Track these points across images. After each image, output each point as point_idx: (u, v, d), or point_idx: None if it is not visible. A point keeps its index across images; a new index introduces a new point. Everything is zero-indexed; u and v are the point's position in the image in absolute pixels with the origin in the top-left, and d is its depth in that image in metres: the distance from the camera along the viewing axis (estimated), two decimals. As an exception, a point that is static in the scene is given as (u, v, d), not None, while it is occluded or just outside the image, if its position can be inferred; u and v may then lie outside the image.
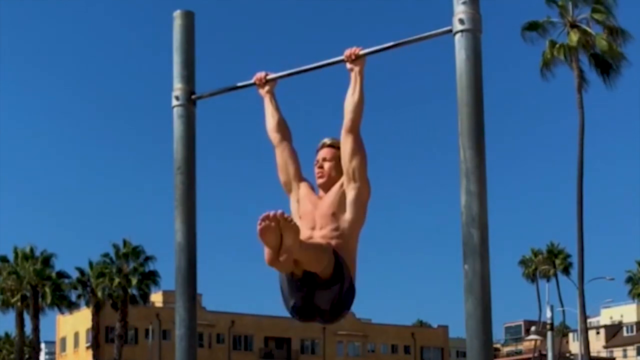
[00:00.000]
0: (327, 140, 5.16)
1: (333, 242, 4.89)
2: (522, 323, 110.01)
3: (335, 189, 5.02)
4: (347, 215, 4.92)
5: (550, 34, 44.77)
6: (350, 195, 4.94)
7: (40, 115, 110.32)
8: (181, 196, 5.17)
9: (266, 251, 4.46)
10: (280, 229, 4.40)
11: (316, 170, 5.14)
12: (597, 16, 43.53)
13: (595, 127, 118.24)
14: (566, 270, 77.63)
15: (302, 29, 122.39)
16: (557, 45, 43.97)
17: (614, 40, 43.45)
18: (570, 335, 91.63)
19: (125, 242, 59.43)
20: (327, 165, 5.10)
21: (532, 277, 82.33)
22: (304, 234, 4.99)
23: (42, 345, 76.38)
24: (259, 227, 4.39)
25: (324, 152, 5.14)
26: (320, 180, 5.11)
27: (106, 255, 59.61)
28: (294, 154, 5.23)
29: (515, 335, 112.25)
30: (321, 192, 5.12)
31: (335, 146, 5.10)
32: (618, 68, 43.88)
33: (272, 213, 4.38)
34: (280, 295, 4.90)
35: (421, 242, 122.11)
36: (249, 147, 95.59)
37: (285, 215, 4.40)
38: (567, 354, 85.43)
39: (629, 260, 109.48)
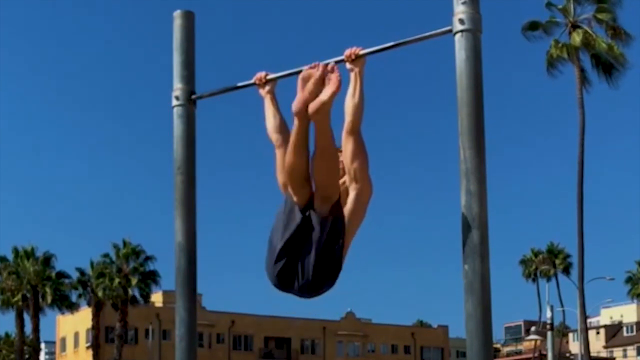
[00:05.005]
0: None
1: None
2: (522, 323, 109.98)
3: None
4: (346, 210, 4.88)
5: (551, 34, 44.79)
6: (351, 194, 4.93)
7: (40, 115, 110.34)
8: (181, 196, 5.17)
9: (298, 96, 4.46)
10: (324, 82, 4.43)
11: None
12: (601, 16, 43.49)
13: (596, 127, 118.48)
14: (566, 270, 77.62)
15: (302, 29, 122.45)
16: (561, 45, 43.98)
17: (616, 41, 43.44)
18: (570, 335, 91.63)
19: (125, 242, 59.45)
20: None
21: (532, 277, 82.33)
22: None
23: (42, 345, 76.33)
24: (305, 70, 4.47)
25: None
26: None
27: (106, 255, 59.65)
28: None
29: (515, 335, 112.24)
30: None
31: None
32: (620, 68, 43.89)
33: (326, 64, 4.46)
34: (266, 258, 4.70)
35: (421, 242, 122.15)
36: (249, 147, 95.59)
37: (337, 69, 4.45)
38: (567, 354, 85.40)
39: (629, 260, 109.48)
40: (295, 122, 4.55)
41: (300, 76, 4.56)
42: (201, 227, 5.20)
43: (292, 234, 4.60)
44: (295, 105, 4.51)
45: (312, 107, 4.44)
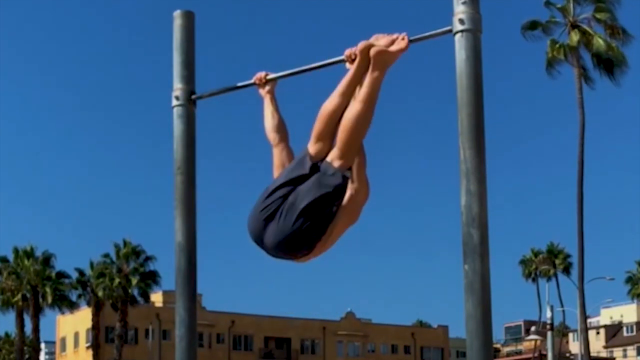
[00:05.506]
0: None
1: None
2: (522, 323, 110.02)
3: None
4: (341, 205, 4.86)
5: (551, 33, 44.80)
6: (347, 194, 4.92)
7: (40, 115, 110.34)
8: (181, 196, 5.17)
9: (368, 40, 4.55)
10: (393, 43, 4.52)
11: None
12: (600, 15, 43.49)
13: (596, 127, 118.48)
14: (566, 270, 77.63)
15: (302, 29, 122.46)
16: (558, 45, 43.97)
17: (615, 40, 43.43)
18: (570, 335, 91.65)
19: (125, 242, 59.46)
20: None
21: (532, 277, 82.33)
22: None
23: (42, 345, 76.38)
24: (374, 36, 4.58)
25: None
26: None
27: (106, 255, 59.68)
28: (291, 155, 5.21)
29: (515, 335, 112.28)
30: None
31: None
32: (620, 67, 43.88)
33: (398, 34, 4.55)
34: (254, 205, 4.67)
35: (421, 242, 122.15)
36: (249, 147, 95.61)
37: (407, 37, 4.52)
38: (567, 354, 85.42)
39: (629, 260, 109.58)
40: (357, 60, 4.57)
41: (372, 38, 4.58)
42: (201, 227, 5.21)
43: (293, 178, 4.60)
44: (362, 44, 4.56)
45: (377, 49, 4.49)
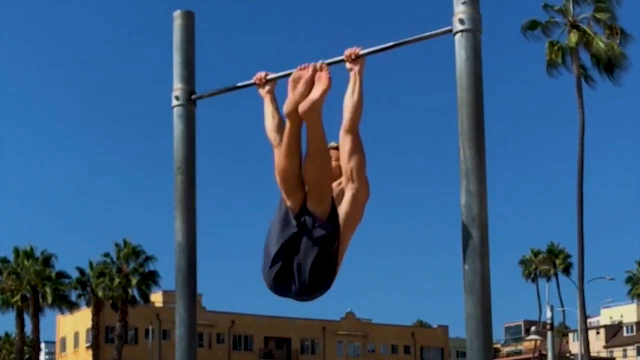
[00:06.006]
0: (332, 143, 5.12)
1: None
2: (522, 323, 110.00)
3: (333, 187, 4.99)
4: (342, 211, 4.86)
5: (550, 34, 44.77)
6: (348, 194, 4.91)
7: (40, 115, 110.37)
8: (181, 196, 5.17)
9: (289, 98, 4.47)
10: (314, 82, 4.44)
11: None
12: (599, 15, 43.46)
13: (596, 127, 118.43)
14: (566, 270, 77.59)
15: (302, 29, 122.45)
16: (556, 47, 43.94)
17: (614, 41, 43.40)
18: (570, 335, 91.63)
19: (125, 242, 59.44)
20: None
21: (532, 277, 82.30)
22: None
23: (42, 345, 76.37)
24: (295, 72, 4.47)
25: None
26: None
27: (106, 255, 59.64)
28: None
29: (515, 335, 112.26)
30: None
31: (332, 147, 5.06)
32: (620, 67, 43.84)
33: (315, 64, 4.46)
34: (262, 265, 4.68)
35: (421, 242, 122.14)
36: (249, 147, 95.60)
37: (327, 68, 4.46)
38: (567, 354, 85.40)
39: (629, 260, 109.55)
40: (287, 124, 4.53)
41: (291, 78, 4.56)
42: (201, 227, 5.21)
43: (286, 239, 4.57)
44: (286, 106, 4.51)
45: (303, 106, 4.43)
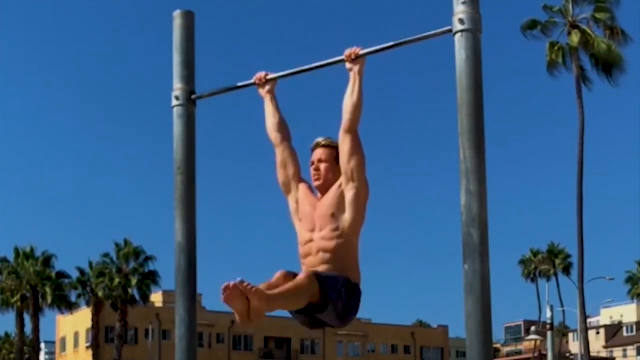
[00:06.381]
0: (321, 140, 5.11)
1: (334, 242, 4.89)
2: (522, 323, 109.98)
3: (333, 189, 5.00)
4: (347, 215, 4.91)
5: (550, 34, 44.76)
6: (349, 195, 4.92)
7: (40, 115, 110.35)
8: (181, 196, 5.17)
9: (236, 315, 4.45)
10: (245, 293, 4.37)
11: (312, 171, 5.09)
12: (599, 15, 43.44)
13: (596, 127, 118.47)
14: (566, 270, 77.59)
15: (302, 29, 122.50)
16: (557, 48, 43.94)
17: (614, 41, 43.39)
18: (570, 335, 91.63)
19: (125, 242, 59.43)
20: (323, 166, 5.05)
21: (532, 277, 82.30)
22: (304, 237, 5.00)
23: (42, 345, 76.36)
24: (222, 297, 4.38)
25: (319, 153, 5.08)
26: (317, 183, 5.07)
27: (106, 255, 59.62)
28: (294, 155, 5.21)
29: (515, 335, 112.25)
30: (319, 194, 5.09)
31: (331, 146, 5.06)
32: (619, 69, 43.85)
33: (231, 283, 4.35)
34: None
35: (421, 242, 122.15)
36: (249, 147, 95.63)
37: (245, 284, 4.35)
38: (567, 354, 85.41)
39: (629, 260, 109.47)
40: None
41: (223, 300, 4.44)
42: (201, 226, 5.21)
43: (303, 321, 5.10)
44: (239, 320, 4.47)
45: (255, 319, 4.46)
